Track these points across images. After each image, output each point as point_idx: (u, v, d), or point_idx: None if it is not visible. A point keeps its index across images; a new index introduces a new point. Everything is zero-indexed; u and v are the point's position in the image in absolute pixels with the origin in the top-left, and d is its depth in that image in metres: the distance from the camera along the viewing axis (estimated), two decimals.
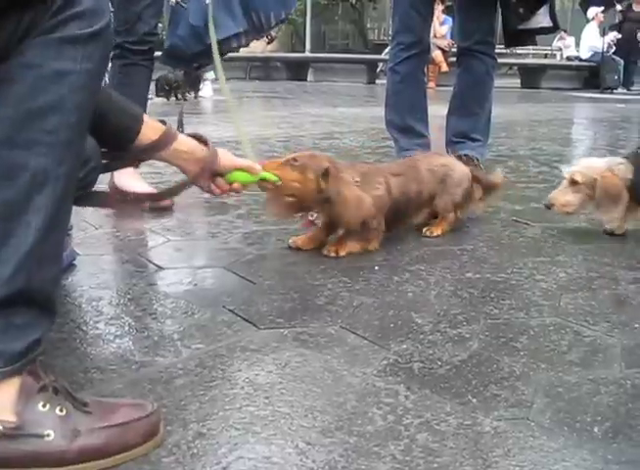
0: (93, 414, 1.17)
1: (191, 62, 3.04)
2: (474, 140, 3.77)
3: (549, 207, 2.67)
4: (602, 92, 12.89)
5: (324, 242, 2.38)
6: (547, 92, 12.97)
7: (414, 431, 1.29)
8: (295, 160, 2.22)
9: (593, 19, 14.01)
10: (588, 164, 2.71)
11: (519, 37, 3.82)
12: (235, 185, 1.86)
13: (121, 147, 1.55)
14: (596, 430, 1.32)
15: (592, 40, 13.96)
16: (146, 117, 1.55)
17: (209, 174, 1.72)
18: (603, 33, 13.85)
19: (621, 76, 13.39)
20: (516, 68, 15.13)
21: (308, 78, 14.47)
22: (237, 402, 1.37)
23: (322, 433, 1.27)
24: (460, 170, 2.66)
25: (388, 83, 3.85)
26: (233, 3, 2.84)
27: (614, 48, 13.65)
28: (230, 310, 1.83)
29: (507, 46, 3.96)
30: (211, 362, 1.54)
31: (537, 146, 5.32)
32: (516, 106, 9.26)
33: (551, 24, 3.70)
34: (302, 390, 1.42)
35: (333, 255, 2.30)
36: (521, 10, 3.64)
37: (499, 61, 12.90)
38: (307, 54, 17.22)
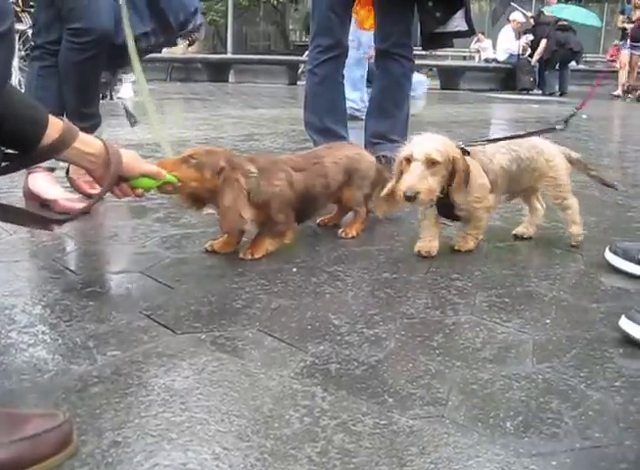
0: (1, 427, 1.14)
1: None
2: (392, 141, 3.80)
3: (412, 198, 2.15)
4: (518, 93, 13.18)
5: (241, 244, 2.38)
6: (466, 93, 13.18)
7: (330, 432, 1.29)
8: (191, 157, 2.18)
9: (511, 21, 14.30)
10: (433, 141, 2.25)
11: (436, 40, 3.88)
12: (138, 191, 1.86)
13: (24, 151, 1.52)
14: (508, 425, 1.35)
15: (508, 43, 14.26)
16: (52, 120, 1.53)
17: (115, 178, 1.71)
18: (518, 36, 14.16)
19: (537, 78, 13.71)
20: (436, 69, 15.33)
21: (230, 80, 14.38)
22: (153, 409, 1.35)
23: (238, 437, 1.27)
24: (366, 161, 2.66)
25: (307, 85, 3.87)
26: (140, 3, 2.81)
27: (529, 50, 13.97)
28: (147, 316, 1.81)
29: (424, 48, 4.02)
30: (127, 369, 1.52)
31: None
32: (435, 107, 9.38)
33: (467, 28, 3.76)
34: (219, 394, 1.42)
35: (249, 257, 2.29)
36: (437, 14, 3.70)
37: (419, 63, 13.08)
38: (229, 55, 17.14)
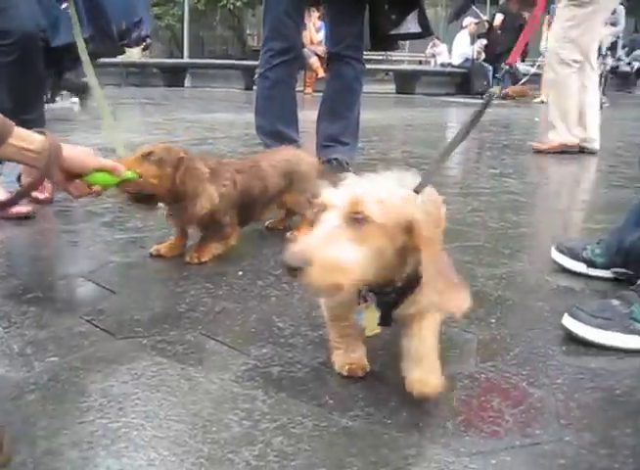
0: None
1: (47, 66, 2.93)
2: (343, 144, 3.81)
3: (295, 272, 1.14)
4: (473, 97, 13.28)
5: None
6: (421, 97, 13.27)
7: (269, 435, 1.28)
8: (150, 154, 2.16)
9: (465, 27, 14.43)
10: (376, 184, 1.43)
11: (386, 42, 3.90)
12: (95, 188, 1.80)
13: None
14: (449, 424, 1.34)
15: (463, 47, 14.38)
16: None
17: (59, 172, 1.65)
18: (473, 41, 14.30)
19: (491, 82, 13.82)
20: (392, 73, 15.40)
21: (186, 84, 14.33)
22: (89, 415, 1.32)
23: (175, 442, 1.24)
24: (306, 164, 2.64)
25: (259, 89, 3.85)
26: (80, 9, 2.77)
27: (483, 55, 14.10)
28: (88, 321, 1.78)
29: (373, 49, 4.02)
30: (65, 375, 1.49)
31: (409, 149, 5.42)
32: (390, 111, 9.44)
33: (419, 30, 3.79)
34: (157, 399, 1.39)
35: (196, 261, 2.27)
36: (393, 16, 3.72)
37: (375, 67, 13.12)
38: (184, 60, 17.04)
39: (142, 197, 2.19)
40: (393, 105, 10.85)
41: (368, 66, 14.68)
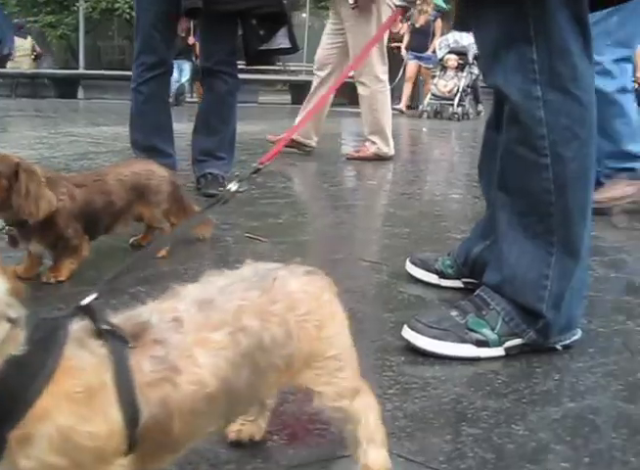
0: None
1: None
2: (219, 158, 3.83)
3: None
4: None
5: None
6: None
7: None
8: None
9: None
10: None
11: (260, 57, 3.94)
12: None
13: None
14: (276, 438, 1.38)
15: None
16: None
17: None
18: None
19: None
20: (288, 84, 15.50)
21: (79, 96, 14.07)
22: None
23: None
24: (157, 177, 2.61)
25: (132, 104, 3.84)
26: None
27: None
28: None
29: (248, 64, 4.07)
30: None
31: (291, 161, 5.45)
32: (283, 122, 9.46)
33: (290, 46, 3.84)
34: None
35: (52, 281, 2.25)
36: (261, 32, 3.76)
37: (272, 77, 13.07)
38: (77, 70, 16.71)
39: None
40: (287, 115, 10.89)
41: (266, 76, 14.51)
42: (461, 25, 1.97)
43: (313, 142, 5.71)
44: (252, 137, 5.92)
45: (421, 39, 12.95)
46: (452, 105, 11.37)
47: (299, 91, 14.74)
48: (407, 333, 1.83)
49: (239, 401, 1.04)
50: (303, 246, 2.85)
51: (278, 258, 2.51)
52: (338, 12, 5.35)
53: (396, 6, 2.56)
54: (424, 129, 8.83)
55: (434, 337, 1.79)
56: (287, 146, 5.45)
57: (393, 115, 10.25)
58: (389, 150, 5.51)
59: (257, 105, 13.95)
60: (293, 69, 21.47)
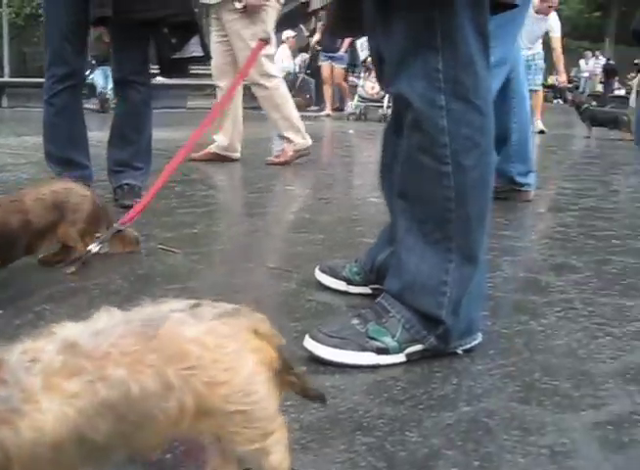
0: None
1: None
2: (135, 168, 3.80)
3: None
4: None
5: None
6: (245, 112, 13.31)
7: None
8: None
9: (284, 42, 14.65)
10: None
11: (173, 66, 3.91)
12: None
13: None
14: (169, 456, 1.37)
15: (284, 61, 14.60)
16: None
17: None
18: (294, 55, 14.56)
19: (314, 95, 14.12)
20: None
21: (3, 104, 13.79)
22: None
23: None
24: (77, 196, 2.58)
25: (45, 116, 3.80)
26: None
27: (304, 69, 14.37)
28: None
29: (162, 74, 4.04)
30: None
31: (214, 169, 5.44)
32: (210, 127, 9.41)
33: (202, 54, 3.83)
34: None
35: None
36: (173, 40, 3.74)
37: (201, 82, 12.92)
38: (1, 78, 16.37)
39: None
40: (216, 120, 10.84)
41: (197, 81, 14.31)
42: (334, 33, 1.96)
43: (238, 153, 5.72)
44: (179, 144, 5.82)
45: (332, 39, 12.94)
46: (382, 106, 11.43)
47: None
48: (308, 343, 1.83)
49: (104, 451, 0.96)
50: (216, 256, 2.84)
51: (190, 270, 2.54)
52: (220, 18, 5.35)
53: (260, 39, 2.62)
54: (350, 131, 8.86)
55: (335, 346, 1.80)
56: (212, 159, 5.46)
57: (320, 118, 10.28)
58: (306, 141, 5.53)
59: (186, 110, 13.87)
60: None
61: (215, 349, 1.00)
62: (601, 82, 27.37)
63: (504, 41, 3.40)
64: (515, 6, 1.96)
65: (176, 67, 3.92)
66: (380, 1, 1.79)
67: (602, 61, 27.15)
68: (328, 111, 12.99)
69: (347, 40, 12.45)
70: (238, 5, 5.06)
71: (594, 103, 22.35)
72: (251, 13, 5.10)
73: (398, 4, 1.74)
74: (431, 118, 1.76)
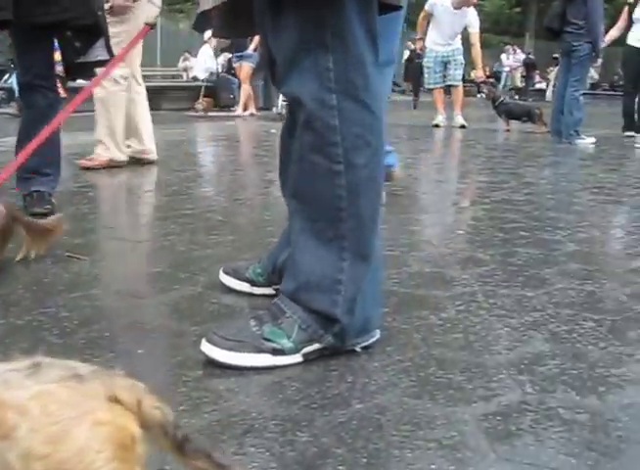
0: None
1: None
2: (44, 175, 3.72)
3: None
4: (219, 110, 13.42)
5: None
6: (169, 113, 13.19)
7: None
8: None
9: (206, 42, 14.55)
10: None
11: (79, 70, 3.85)
12: None
13: None
14: None
15: (207, 62, 14.51)
16: None
17: None
18: (217, 55, 14.48)
19: (237, 95, 14.04)
20: None
21: None
22: None
23: None
24: None
25: None
26: None
27: (226, 68, 14.30)
28: None
29: (69, 78, 3.97)
30: None
31: (133, 174, 5.38)
32: None
33: (108, 57, 3.77)
34: None
35: None
36: (77, 44, 3.67)
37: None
38: None
39: None
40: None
41: None
42: (221, 32, 1.95)
43: (154, 154, 5.68)
44: (91, 150, 5.74)
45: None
46: (276, 106, 11.44)
47: (151, 97, 14.55)
48: (204, 346, 1.83)
49: None
50: (123, 261, 2.81)
51: (94, 277, 2.51)
52: None
53: (145, 23, 2.59)
54: (272, 131, 8.83)
55: (230, 349, 1.80)
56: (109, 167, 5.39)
57: (244, 118, 10.23)
58: (121, 156, 5.46)
59: None
60: (146, 73, 21.19)
61: (39, 417, 0.83)
62: (522, 76, 27.96)
63: (390, 40, 3.44)
64: (399, 7, 1.99)
65: (81, 71, 3.85)
66: (270, 2, 1.79)
67: (521, 56, 27.66)
68: (252, 110, 12.94)
69: (257, 38, 12.35)
70: (106, 5, 5.01)
71: (516, 96, 22.95)
72: (117, 13, 5.08)
73: (288, 2, 1.74)
74: (322, 118, 1.77)
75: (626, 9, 9.84)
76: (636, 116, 9.52)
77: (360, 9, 1.76)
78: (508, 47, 28.32)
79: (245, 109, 12.83)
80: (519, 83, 27.23)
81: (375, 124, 1.83)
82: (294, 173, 1.90)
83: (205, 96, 13.61)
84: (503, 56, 27.90)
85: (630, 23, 9.52)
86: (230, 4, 1.96)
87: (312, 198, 1.85)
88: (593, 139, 8.62)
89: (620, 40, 9.75)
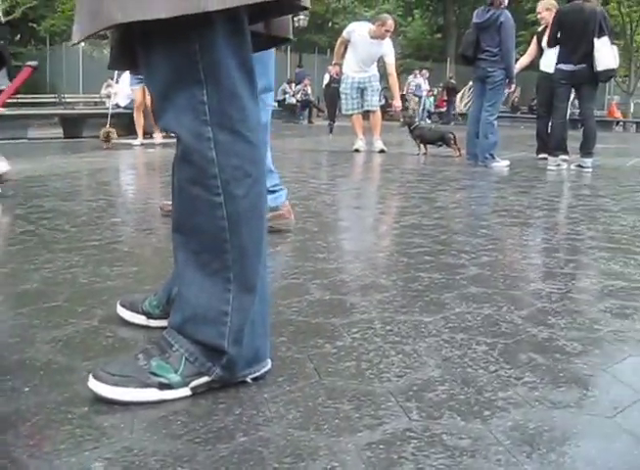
0: None
1: None
2: None
3: None
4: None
5: None
6: (89, 141, 13.05)
7: None
8: None
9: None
10: None
11: None
12: None
13: None
14: None
15: (128, 88, 14.34)
16: None
17: None
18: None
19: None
20: (57, 118, 15.05)
21: None
22: None
23: None
24: None
25: None
26: None
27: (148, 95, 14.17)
28: None
29: None
30: None
31: (40, 203, 5.28)
32: (46, 159, 9.16)
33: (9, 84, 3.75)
34: None
35: None
36: None
37: (48, 111, 12.60)
38: None
39: None
40: (54, 151, 10.57)
41: (39, 110, 13.98)
42: (116, 65, 1.96)
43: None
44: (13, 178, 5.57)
45: None
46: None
47: (71, 124, 14.40)
48: (91, 382, 1.81)
49: None
50: (21, 296, 2.75)
51: None
52: None
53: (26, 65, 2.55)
54: None
55: (116, 384, 1.78)
56: None
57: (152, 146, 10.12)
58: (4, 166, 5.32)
59: (28, 141, 13.46)
60: (69, 100, 20.93)
61: None
62: (444, 100, 28.51)
63: (267, 68, 3.50)
64: (289, 40, 2.03)
65: None
66: (141, 36, 1.79)
67: (420, 80, 28.05)
68: (158, 137, 12.57)
69: None
70: None
71: (440, 120, 23.38)
72: None
73: (158, 38, 1.75)
74: (199, 151, 1.78)
75: (535, 38, 10.20)
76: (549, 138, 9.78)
77: (232, 41, 1.78)
78: (416, 70, 28.89)
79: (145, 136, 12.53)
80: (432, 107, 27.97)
81: (254, 155, 1.85)
82: (175, 207, 1.90)
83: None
84: (410, 77, 28.25)
85: (541, 50, 9.84)
86: (119, 38, 1.96)
87: (195, 231, 1.86)
88: (508, 162, 8.84)
89: (536, 65, 10.06)
